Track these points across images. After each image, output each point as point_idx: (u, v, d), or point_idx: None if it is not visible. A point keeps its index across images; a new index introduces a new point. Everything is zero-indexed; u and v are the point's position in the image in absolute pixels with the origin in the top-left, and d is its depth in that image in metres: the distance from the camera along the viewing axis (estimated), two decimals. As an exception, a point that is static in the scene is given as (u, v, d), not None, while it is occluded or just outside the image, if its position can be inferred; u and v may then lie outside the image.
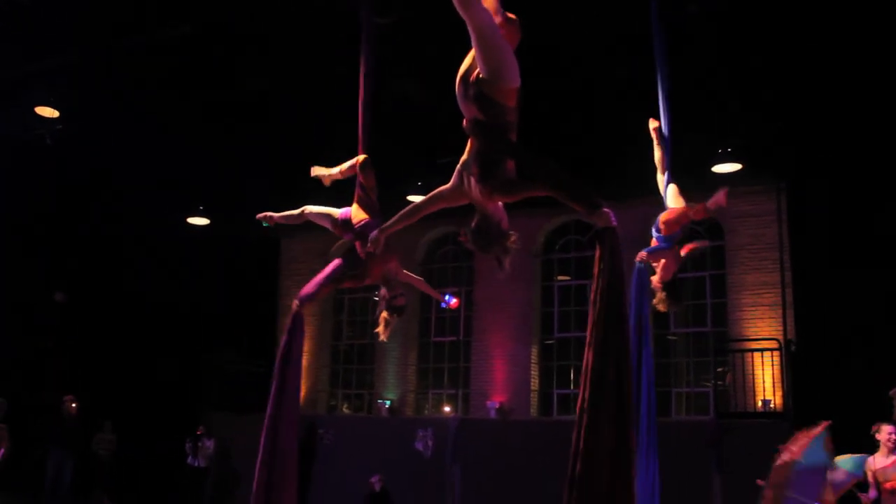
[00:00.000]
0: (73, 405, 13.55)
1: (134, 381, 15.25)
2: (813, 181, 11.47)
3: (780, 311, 12.45)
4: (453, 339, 15.44)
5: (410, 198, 13.03)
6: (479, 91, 4.00)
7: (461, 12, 3.81)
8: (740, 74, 9.82)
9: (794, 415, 10.89)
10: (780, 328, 12.36)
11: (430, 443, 13.30)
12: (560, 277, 15.04)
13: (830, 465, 6.33)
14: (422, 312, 15.87)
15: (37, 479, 13.72)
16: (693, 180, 11.97)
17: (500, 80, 3.97)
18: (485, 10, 3.87)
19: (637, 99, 8.10)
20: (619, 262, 3.97)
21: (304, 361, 16.93)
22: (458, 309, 14.96)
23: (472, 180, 4.23)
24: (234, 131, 11.95)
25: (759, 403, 12.03)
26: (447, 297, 15.24)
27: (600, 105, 10.50)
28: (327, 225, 6.16)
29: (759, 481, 6.01)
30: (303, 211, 6.60)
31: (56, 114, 11.18)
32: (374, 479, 12.21)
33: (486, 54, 3.92)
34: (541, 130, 10.88)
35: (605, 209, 3.95)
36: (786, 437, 10.04)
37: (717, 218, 13.59)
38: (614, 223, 3.97)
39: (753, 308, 12.85)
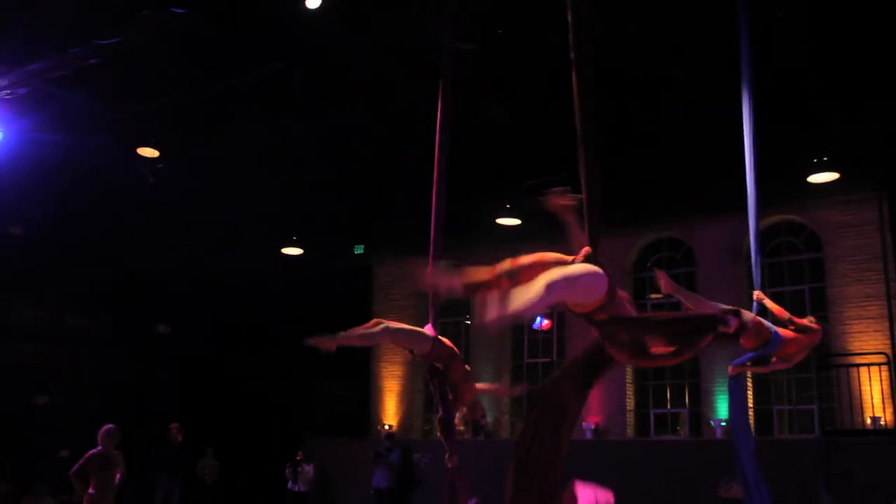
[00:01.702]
0: (179, 433, 14.02)
1: (234, 409, 15.68)
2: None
3: (887, 324, 11.98)
4: (546, 360, 15.37)
5: (500, 221, 13.10)
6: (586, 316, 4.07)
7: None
8: (834, 81, 9.57)
9: (906, 431, 10.47)
10: (888, 341, 11.88)
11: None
12: (653, 296, 14.83)
13: None
14: (515, 334, 15.86)
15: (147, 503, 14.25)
16: (788, 191, 11.78)
17: (591, 303, 4.04)
18: (545, 295, 3.74)
19: (728, 113, 7.98)
20: None
21: (398, 386, 17.23)
22: (549, 330, 14.90)
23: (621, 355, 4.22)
24: (323, 161, 12.24)
25: (868, 420, 11.58)
26: (539, 319, 15.21)
27: (687, 119, 10.37)
28: (405, 345, 6.02)
29: None
30: (382, 328, 6.14)
31: (156, 153, 11.67)
32: (471, 502, 12.21)
33: (573, 299, 4.04)
34: (629, 146, 10.87)
35: (725, 318, 3.96)
36: (898, 454, 9.68)
37: (815, 229, 13.23)
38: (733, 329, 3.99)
39: (857, 321, 12.39)
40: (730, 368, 5.98)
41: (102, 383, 14.55)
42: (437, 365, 5.84)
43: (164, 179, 12.25)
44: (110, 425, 9.02)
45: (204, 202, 13.55)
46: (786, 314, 5.77)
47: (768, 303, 5.90)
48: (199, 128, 11.26)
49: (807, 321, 5.76)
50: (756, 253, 6.19)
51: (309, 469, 14.65)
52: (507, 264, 4.08)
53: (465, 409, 5.86)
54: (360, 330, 5.94)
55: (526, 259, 4.13)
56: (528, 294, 3.61)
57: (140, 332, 15.76)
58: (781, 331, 5.63)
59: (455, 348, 6.16)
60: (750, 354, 5.75)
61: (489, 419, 15.21)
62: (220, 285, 16.00)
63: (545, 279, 3.73)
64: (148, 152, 11.65)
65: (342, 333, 5.95)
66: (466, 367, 6.06)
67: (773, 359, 5.76)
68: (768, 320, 5.68)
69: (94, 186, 12.37)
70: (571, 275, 3.95)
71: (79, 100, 10.17)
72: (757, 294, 6.01)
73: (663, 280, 5.37)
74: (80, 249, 14.06)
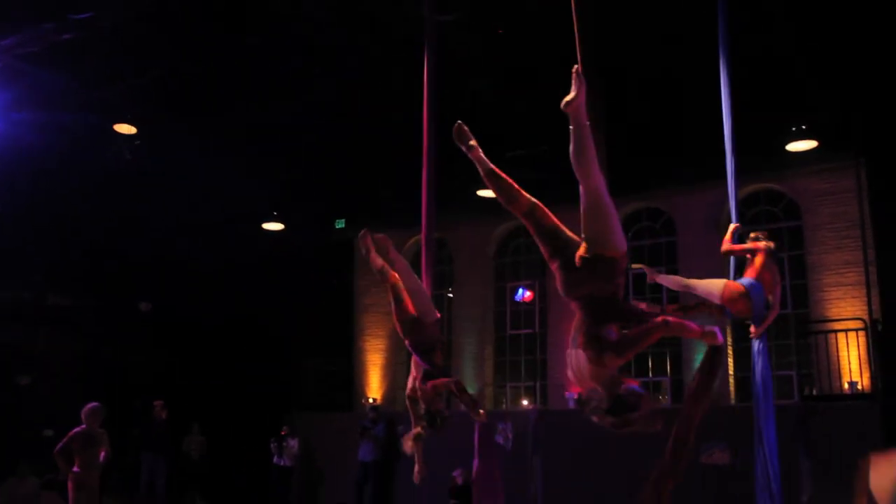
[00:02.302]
0: (163, 410, 14.04)
1: (219, 384, 15.68)
2: (893, 155, 11.14)
3: (864, 290, 12.12)
4: (529, 331, 15.46)
5: (480, 193, 13.11)
6: (587, 260, 3.91)
7: (578, 173, 3.85)
8: (812, 49, 9.60)
9: (883, 395, 10.62)
10: (865, 308, 12.03)
11: (509, 436, 13.33)
12: (634, 266, 14.87)
13: None
14: (497, 306, 15.93)
15: (132, 481, 14.27)
16: (767, 160, 11.85)
17: (606, 246, 3.90)
18: (599, 174, 3.86)
19: (705, 83, 7.99)
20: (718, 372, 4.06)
21: (382, 360, 17.28)
22: (532, 301, 14.96)
23: (580, 359, 4.00)
24: (303, 136, 12.19)
25: (846, 385, 11.75)
26: (521, 290, 15.27)
27: (668, 91, 10.39)
28: (396, 306, 5.90)
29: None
30: (387, 275, 5.97)
31: (134, 130, 11.57)
32: (456, 473, 12.31)
33: (593, 219, 3.90)
34: (609, 117, 10.87)
35: (712, 331, 3.90)
36: (876, 419, 9.82)
37: (794, 198, 13.33)
38: (721, 341, 3.95)
39: (835, 288, 12.54)
40: (752, 333, 6.09)
41: (86, 362, 14.50)
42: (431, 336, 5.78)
43: (142, 156, 12.16)
44: (94, 403, 9.01)
45: (183, 179, 13.46)
46: (727, 244, 5.96)
47: (728, 233, 6.08)
48: (177, 104, 11.17)
49: (751, 244, 5.92)
50: (734, 185, 6.31)
51: (294, 443, 14.71)
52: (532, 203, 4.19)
53: (432, 391, 5.78)
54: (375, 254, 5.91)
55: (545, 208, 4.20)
56: (591, 147, 3.75)
57: (122, 311, 15.69)
58: (750, 274, 5.78)
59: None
60: (756, 313, 5.90)
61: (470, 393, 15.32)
62: (203, 262, 15.93)
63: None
64: (125, 129, 11.55)
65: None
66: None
67: (769, 297, 5.89)
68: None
69: (71, 164, 12.25)
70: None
71: (54, 77, 10.05)
72: (734, 226, 6.30)
73: (649, 274, 5.63)
74: (59, 228, 13.95)
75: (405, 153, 7.42)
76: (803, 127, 11.02)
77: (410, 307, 5.66)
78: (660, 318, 3.84)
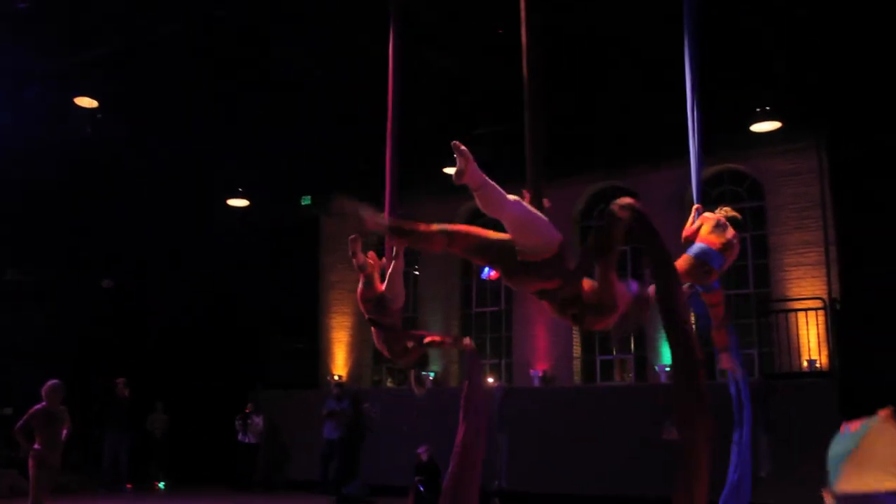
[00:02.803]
0: (125, 388, 13.93)
1: (183, 363, 15.58)
2: (854, 136, 11.29)
3: (824, 270, 12.31)
4: (495, 308, 15.52)
5: (447, 170, 13.08)
6: (526, 264, 3.98)
7: (493, 215, 3.90)
8: (777, 32, 9.67)
9: (839, 373, 10.83)
10: (825, 287, 12.23)
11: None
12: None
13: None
14: (463, 282, 15.96)
15: (95, 460, 14.16)
16: (732, 140, 11.94)
17: (538, 252, 3.96)
18: (511, 203, 3.88)
19: (671, 62, 8.02)
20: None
21: (347, 338, 17.25)
22: (498, 279, 14.99)
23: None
24: (269, 112, 12.07)
25: (805, 363, 11.96)
26: (487, 269, 15.30)
27: (632, 69, 10.42)
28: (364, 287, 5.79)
29: (825, 494, 5.56)
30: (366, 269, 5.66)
31: (95, 104, 11.37)
32: (421, 450, 12.36)
33: (520, 234, 3.96)
34: (576, 97, 10.89)
35: (621, 203, 4.06)
36: (831, 396, 10.03)
37: (758, 178, 13.46)
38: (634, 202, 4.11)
39: (796, 268, 12.72)
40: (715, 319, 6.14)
41: (46, 339, 14.30)
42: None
43: (104, 130, 11.97)
44: (55, 381, 8.89)
45: (147, 153, 13.29)
46: (692, 231, 6.03)
47: (698, 219, 6.09)
48: (140, 77, 10.99)
49: (699, 219, 5.99)
50: (697, 167, 6.33)
51: (259, 421, 14.68)
52: (442, 225, 4.01)
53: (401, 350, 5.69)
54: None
55: (463, 227, 4.15)
56: (497, 194, 3.79)
57: (84, 287, 15.49)
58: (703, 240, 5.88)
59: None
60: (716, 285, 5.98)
61: (433, 371, 15.40)
62: (166, 238, 15.77)
63: (514, 198, 3.91)
64: (86, 102, 11.35)
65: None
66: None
67: (726, 256, 5.96)
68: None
69: (31, 138, 12.03)
70: (533, 211, 4.06)
71: (11, 47, 9.83)
72: (697, 207, 6.33)
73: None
74: (19, 203, 13.71)
75: (372, 130, 7.36)
76: (767, 108, 11.12)
77: (379, 287, 5.62)
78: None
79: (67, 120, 11.62)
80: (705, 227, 6.03)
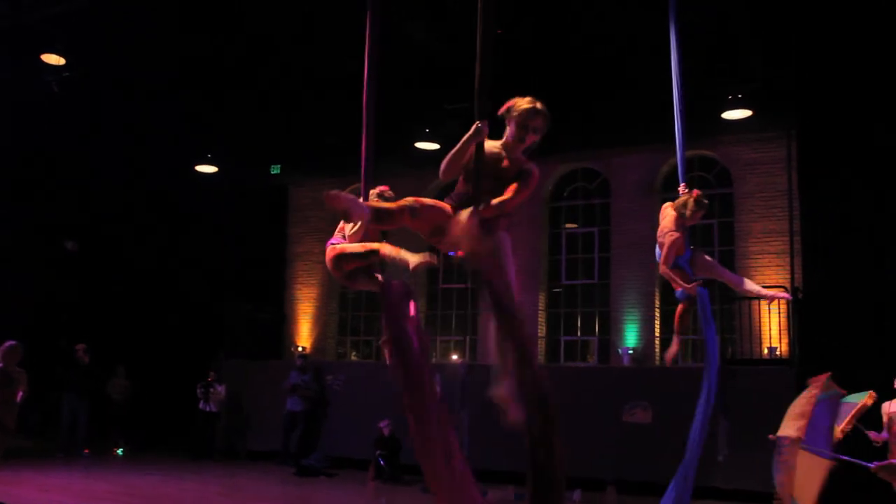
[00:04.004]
0: (85, 354, 13.78)
1: (146, 328, 15.43)
2: (824, 128, 11.38)
3: (788, 259, 12.46)
4: (461, 286, 15.54)
5: (418, 145, 13.02)
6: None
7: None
8: (751, 20, 9.70)
9: (799, 361, 10.98)
10: (788, 276, 12.38)
11: (438, 389, 13.43)
12: (568, 225, 15.05)
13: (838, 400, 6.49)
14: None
15: (54, 424, 14.01)
16: (704, 127, 11.99)
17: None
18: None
19: (647, 46, 8.03)
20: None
21: (312, 309, 17.18)
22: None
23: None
24: (240, 77, 11.91)
25: (766, 351, 12.12)
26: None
27: (608, 52, 10.40)
28: None
29: (770, 436, 6.07)
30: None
31: (62, 61, 11.14)
32: (382, 424, 12.38)
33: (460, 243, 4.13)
34: (553, 81, 10.86)
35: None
36: (791, 383, 10.16)
37: (727, 165, 13.55)
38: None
39: (761, 256, 12.86)
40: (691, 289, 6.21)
41: (8, 300, 14.08)
42: None
43: (71, 90, 11.73)
44: (12, 342, 8.77)
45: (114, 115, 13.06)
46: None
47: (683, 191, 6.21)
48: (110, 36, 10.77)
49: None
50: (681, 148, 6.38)
51: (221, 389, 14.60)
52: (410, 201, 4.09)
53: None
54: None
55: (429, 201, 4.20)
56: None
57: (48, 249, 15.25)
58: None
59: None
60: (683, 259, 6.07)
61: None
62: (132, 201, 15.56)
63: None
64: (53, 59, 11.11)
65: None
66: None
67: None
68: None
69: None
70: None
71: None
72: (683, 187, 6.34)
73: None
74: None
75: (344, 101, 7.28)
76: (739, 96, 11.18)
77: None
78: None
79: (33, 77, 11.37)
80: (668, 220, 6.08)
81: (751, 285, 6.76)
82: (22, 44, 10.82)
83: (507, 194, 4.08)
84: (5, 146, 13.19)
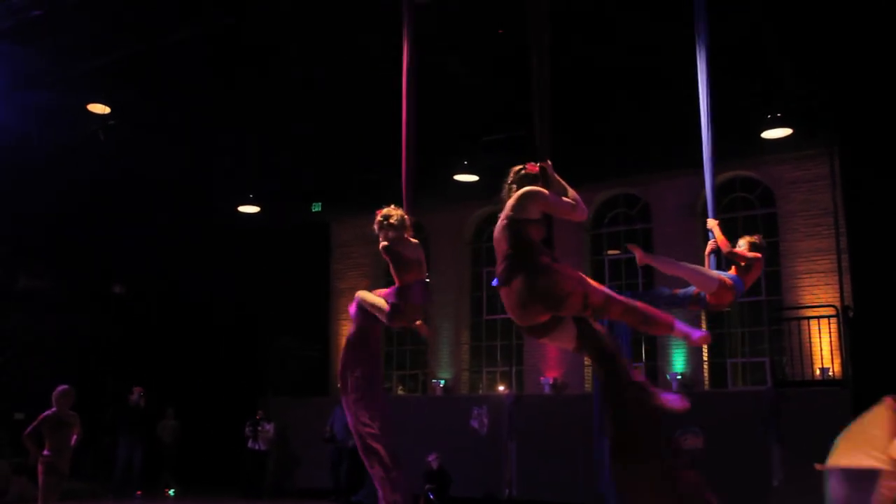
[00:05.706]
0: (142, 398, 13.93)
1: (192, 369, 15.60)
2: (866, 143, 11.23)
3: (836, 278, 12.23)
4: (505, 316, 15.45)
5: (457, 177, 13.08)
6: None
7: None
8: (788, 37, 9.64)
9: (853, 381, 10.74)
10: (837, 294, 12.15)
11: (485, 420, 13.37)
12: (610, 252, 14.96)
13: None
14: (473, 291, 15.94)
15: (105, 466, 14.17)
16: (743, 147, 11.91)
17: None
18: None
19: (682, 70, 8.00)
20: None
21: (358, 344, 17.10)
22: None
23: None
24: (280, 119, 12.09)
25: (818, 371, 11.87)
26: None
27: (646, 79, 10.39)
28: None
29: (817, 466, 5.75)
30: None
31: (108, 110, 11.42)
32: (431, 458, 12.34)
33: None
34: (588, 107, 10.88)
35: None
36: (845, 404, 9.94)
37: (769, 185, 13.41)
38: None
39: (808, 275, 12.65)
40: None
41: (58, 344, 14.34)
42: None
43: (116, 137, 12.02)
44: (65, 386, 8.91)
45: (158, 159, 13.33)
46: (728, 246, 5.85)
47: (717, 231, 5.97)
48: (152, 83, 11.03)
49: (748, 253, 5.81)
50: (710, 181, 6.21)
51: (269, 427, 14.66)
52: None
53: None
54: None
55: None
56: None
57: (96, 293, 15.54)
58: (739, 274, 5.74)
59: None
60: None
61: (446, 377, 15.39)
62: (178, 245, 15.81)
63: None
64: (99, 109, 11.40)
65: None
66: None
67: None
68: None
69: (44, 144, 12.08)
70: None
71: (25, 54, 9.88)
72: (710, 223, 6.07)
73: (638, 254, 5.60)
74: (31, 209, 13.77)
75: (383, 136, 7.35)
76: (778, 115, 11.07)
77: None
78: None
79: (79, 126, 11.66)
80: (755, 271, 5.81)
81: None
82: (69, 95, 11.10)
83: None
84: (57, 193, 13.51)
